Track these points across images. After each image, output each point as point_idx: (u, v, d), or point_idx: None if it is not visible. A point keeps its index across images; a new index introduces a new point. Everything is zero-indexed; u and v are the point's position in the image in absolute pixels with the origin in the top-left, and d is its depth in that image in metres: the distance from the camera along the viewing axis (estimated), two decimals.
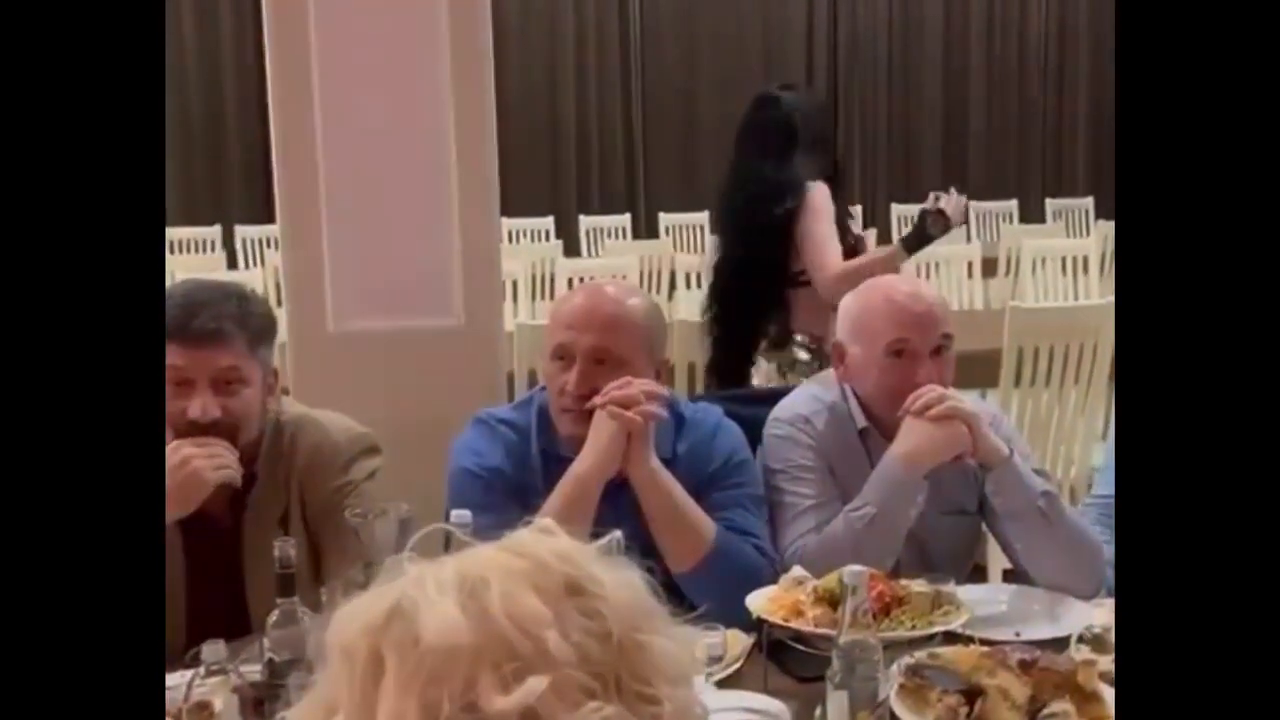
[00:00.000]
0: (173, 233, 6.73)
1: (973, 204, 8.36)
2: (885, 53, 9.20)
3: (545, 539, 0.80)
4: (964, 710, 1.42)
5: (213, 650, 1.48)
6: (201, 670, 1.48)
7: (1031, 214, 8.39)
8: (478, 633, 0.73)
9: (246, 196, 8.54)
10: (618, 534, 0.81)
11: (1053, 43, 9.41)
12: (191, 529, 1.93)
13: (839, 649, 1.49)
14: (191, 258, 6.76)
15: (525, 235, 7.36)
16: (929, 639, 1.69)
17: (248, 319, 1.94)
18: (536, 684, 0.72)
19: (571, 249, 7.32)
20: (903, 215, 8.05)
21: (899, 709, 1.45)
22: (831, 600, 1.69)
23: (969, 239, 7.45)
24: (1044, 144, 9.55)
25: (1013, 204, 8.31)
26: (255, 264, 6.84)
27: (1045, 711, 1.37)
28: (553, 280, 6.22)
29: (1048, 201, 8.49)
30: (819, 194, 3.28)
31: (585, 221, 7.89)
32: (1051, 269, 6.49)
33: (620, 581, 0.79)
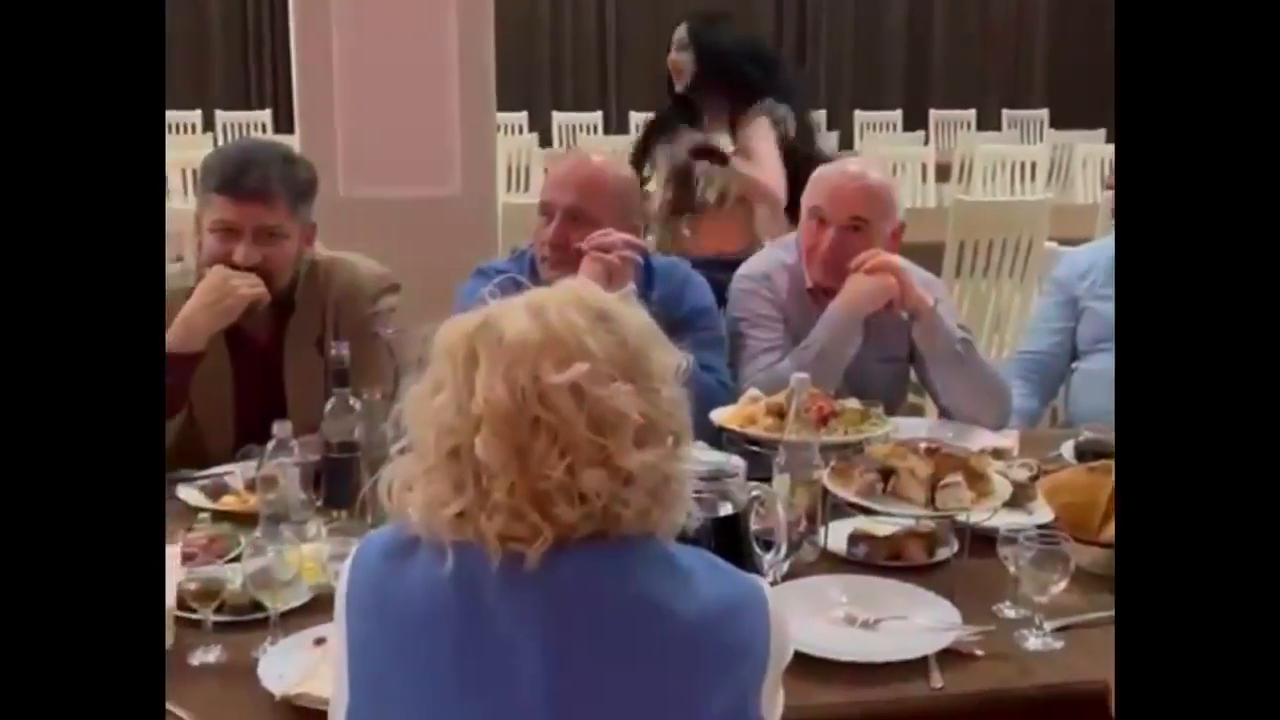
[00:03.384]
0: None
1: (932, 112, 8.70)
2: None
3: (582, 284, 1.16)
4: (879, 485, 1.79)
5: (282, 428, 1.81)
6: (270, 446, 1.80)
7: (989, 124, 8.70)
8: (542, 334, 1.09)
9: (226, 83, 8.72)
10: (632, 286, 1.16)
11: None
12: (238, 351, 2.25)
13: (785, 442, 1.86)
14: (176, 137, 6.99)
15: (500, 129, 7.58)
16: (858, 445, 2.06)
17: (290, 180, 2.21)
18: (581, 367, 1.08)
19: (545, 143, 7.56)
20: (865, 121, 8.36)
21: (829, 484, 1.82)
22: (779, 413, 2.04)
23: (926, 143, 7.80)
24: (1003, 56, 9.83)
25: (971, 113, 8.61)
26: None
27: (942, 481, 1.74)
28: (528, 171, 6.50)
29: (1004, 112, 8.80)
30: None
31: (559, 117, 8.12)
32: (1002, 176, 6.86)
33: (633, 313, 1.15)
